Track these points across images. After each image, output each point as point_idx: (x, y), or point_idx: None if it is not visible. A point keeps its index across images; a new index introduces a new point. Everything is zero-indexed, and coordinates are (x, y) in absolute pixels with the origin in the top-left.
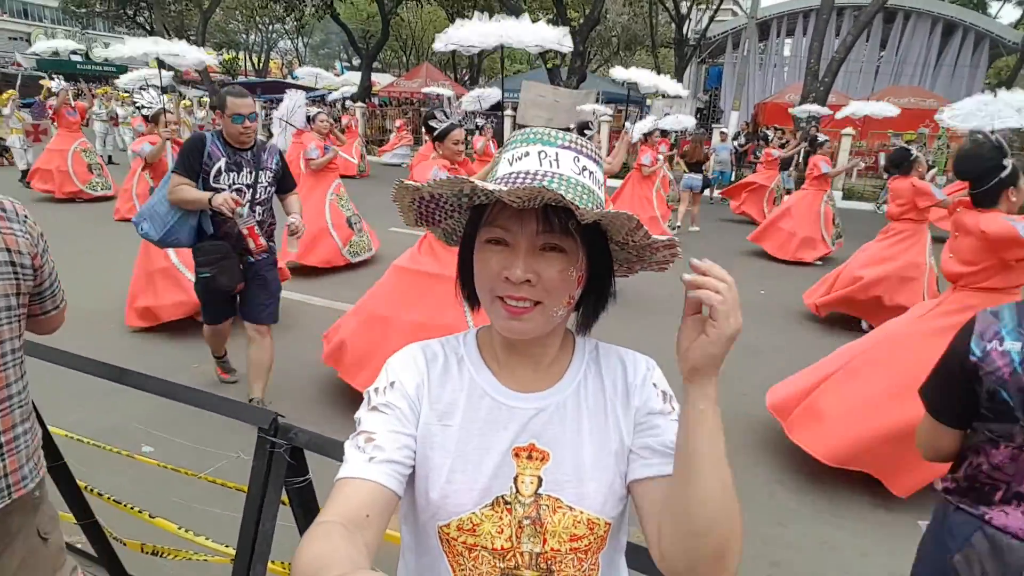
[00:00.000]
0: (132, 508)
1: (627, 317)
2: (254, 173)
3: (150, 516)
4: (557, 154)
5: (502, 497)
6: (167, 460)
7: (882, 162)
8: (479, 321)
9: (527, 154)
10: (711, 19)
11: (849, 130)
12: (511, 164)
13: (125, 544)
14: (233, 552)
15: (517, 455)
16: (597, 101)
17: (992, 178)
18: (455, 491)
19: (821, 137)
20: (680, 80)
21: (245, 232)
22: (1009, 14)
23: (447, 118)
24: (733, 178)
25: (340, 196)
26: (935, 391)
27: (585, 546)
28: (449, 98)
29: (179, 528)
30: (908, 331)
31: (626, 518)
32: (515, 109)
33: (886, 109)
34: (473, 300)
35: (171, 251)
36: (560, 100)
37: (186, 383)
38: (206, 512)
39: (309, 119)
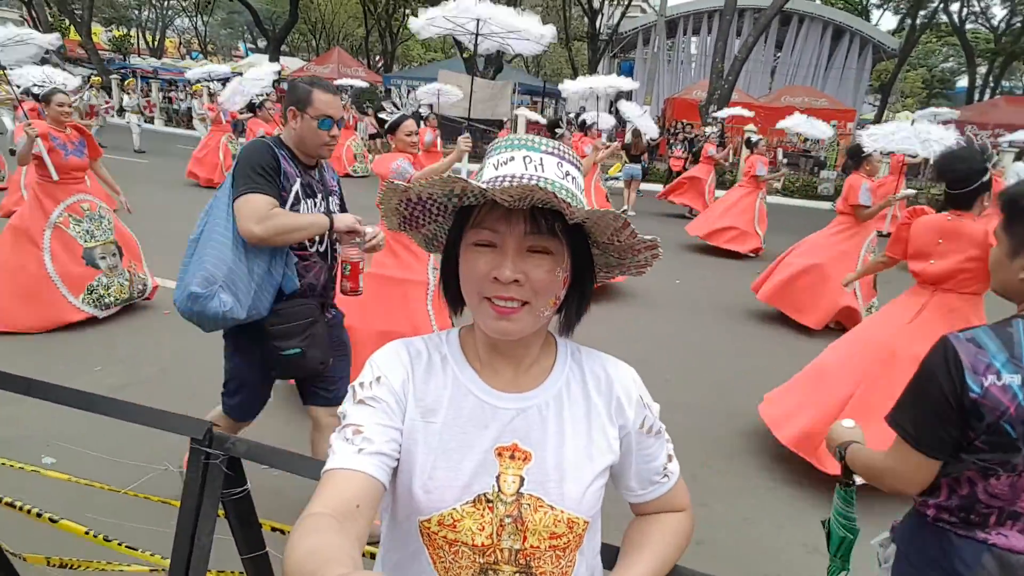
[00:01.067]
0: (31, 511)
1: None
2: (325, 200)
3: (52, 520)
4: (541, 159)
5: (484, 495)
6: (79, 476)
7: (780, 157)
8: (444, 326)
9: (512, 159)
10: (622, 15)
11: (751, 127)
12: (496, 168)
13: (26, 559)
14: (150, 556)
15: (500, 454)
16: (514, 92)
17: (975, 181)
18: (436, 487)
19: (755, 137)
20: (593, 73)
21: (361, 268)
22: (888, 22)
23: (398, 108)
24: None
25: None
26: (921, 425)
27: (564, 544)
28: (397, 88)
29: (87, 532)
30: (897, 343)
31: (600, 515)
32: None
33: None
34: (456, 303)
35: (48, 258)
36: (477, 90)
37: (90, 390)
38: (124, 527)
39: (255, 106)
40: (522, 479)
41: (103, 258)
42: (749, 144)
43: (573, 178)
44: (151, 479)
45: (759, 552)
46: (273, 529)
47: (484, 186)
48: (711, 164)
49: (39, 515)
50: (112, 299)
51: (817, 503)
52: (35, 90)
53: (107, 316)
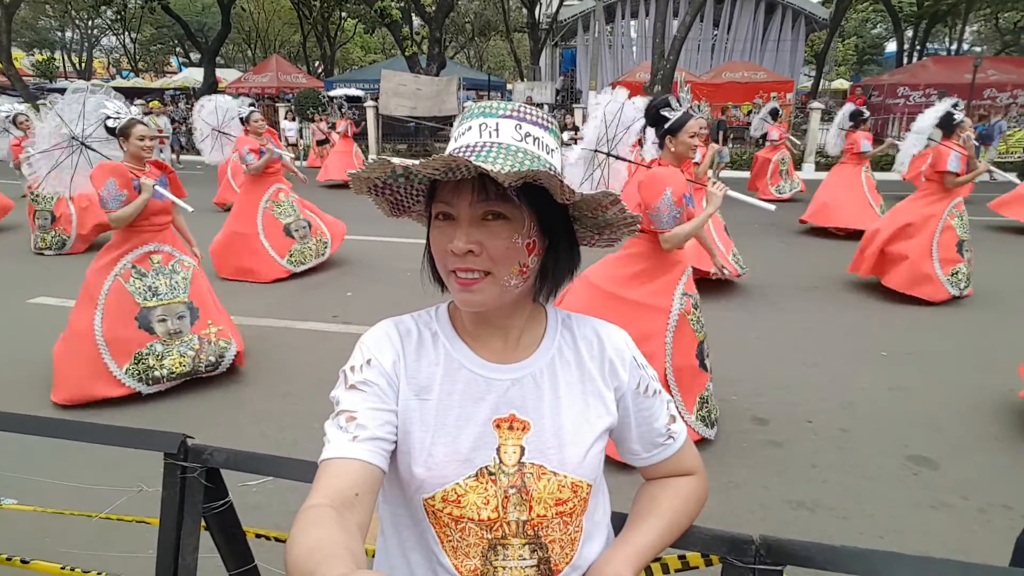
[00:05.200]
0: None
1: None
2: None
3: (23, 561)
4: (497, 124)
5: (486, 468)
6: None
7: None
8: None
9: (469, 128)
10: (560, 3)
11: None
12: (455, 141)
13: None
14: None
15: (498, 426)
16: (459, 88)
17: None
18: (437, 463)
19: (865, 113)
20: (536, 63)
21: None
22: None
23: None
24: None
25: (278, 203)
26: None
27: (570, 509)
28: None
29: (63, 568)
30: None
31: (604, 482)
32: (376, 100)
33: None
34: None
35: (98, 317)
36: (422, 88)
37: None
38: (102, 557)
39: (242, 120)
40: (522, 449)
41: (162, 320)
42: (856, 118)
43: (536, 139)
44: (126, 503)
45: (747, 512)
46: (258, 536)
47: (409, 163)
48: (777, 147)
49: (8, 559)
50: (164, 372)
51: (799, 460)
52: (110, 123)
53: (150, 393)
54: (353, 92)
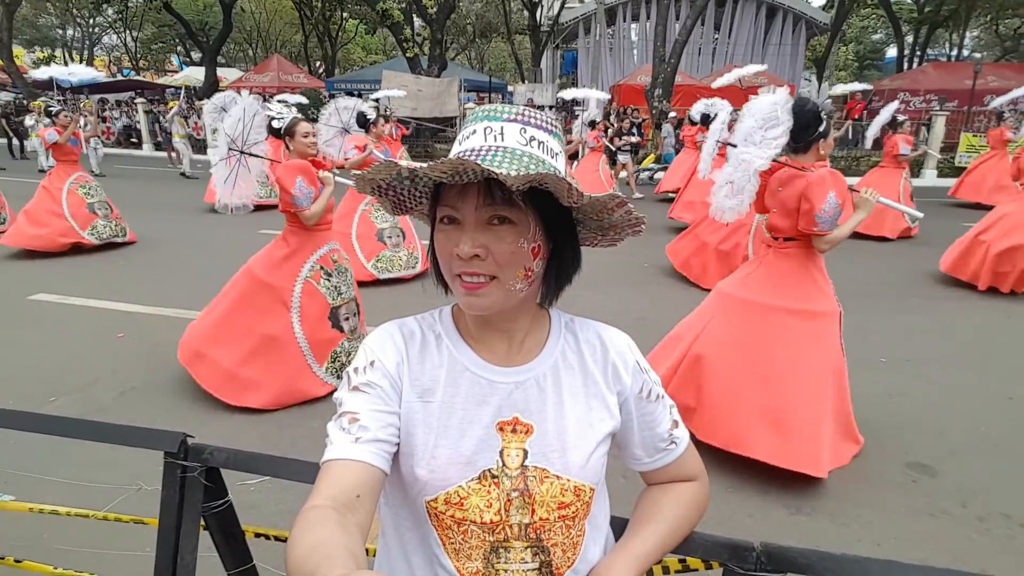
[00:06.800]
0: None
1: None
2: None
3: (16, 561)
4: (502, 128)
5: (489, 471)
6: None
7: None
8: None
9: (474, 132)
10: (562, 5)
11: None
12: (460, 144)
13: None
14: None
15: (502, 429)
16: (460, 89)
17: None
18: (440, 466)
19: (900, 117)
20: (537, 65)
21: None
22: None
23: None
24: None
25: (376, 206)
26: None
27: (572, 513)
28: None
29: (55, 568)
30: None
31: (606, 486)
32: (377, 101)
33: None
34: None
35: (296, 320)
36: (423, 89)
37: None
38: (99, 556)
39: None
40: (525, 452)
41: (347, 319)
42: (893, 124)
43: (540, 143)
44: (125, 501)
45: (746, 516)
46: (257, 535)
47: (416, 166)
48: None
49: (1, 558)
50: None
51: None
52: (275, 124)
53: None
54: (395, 93)
